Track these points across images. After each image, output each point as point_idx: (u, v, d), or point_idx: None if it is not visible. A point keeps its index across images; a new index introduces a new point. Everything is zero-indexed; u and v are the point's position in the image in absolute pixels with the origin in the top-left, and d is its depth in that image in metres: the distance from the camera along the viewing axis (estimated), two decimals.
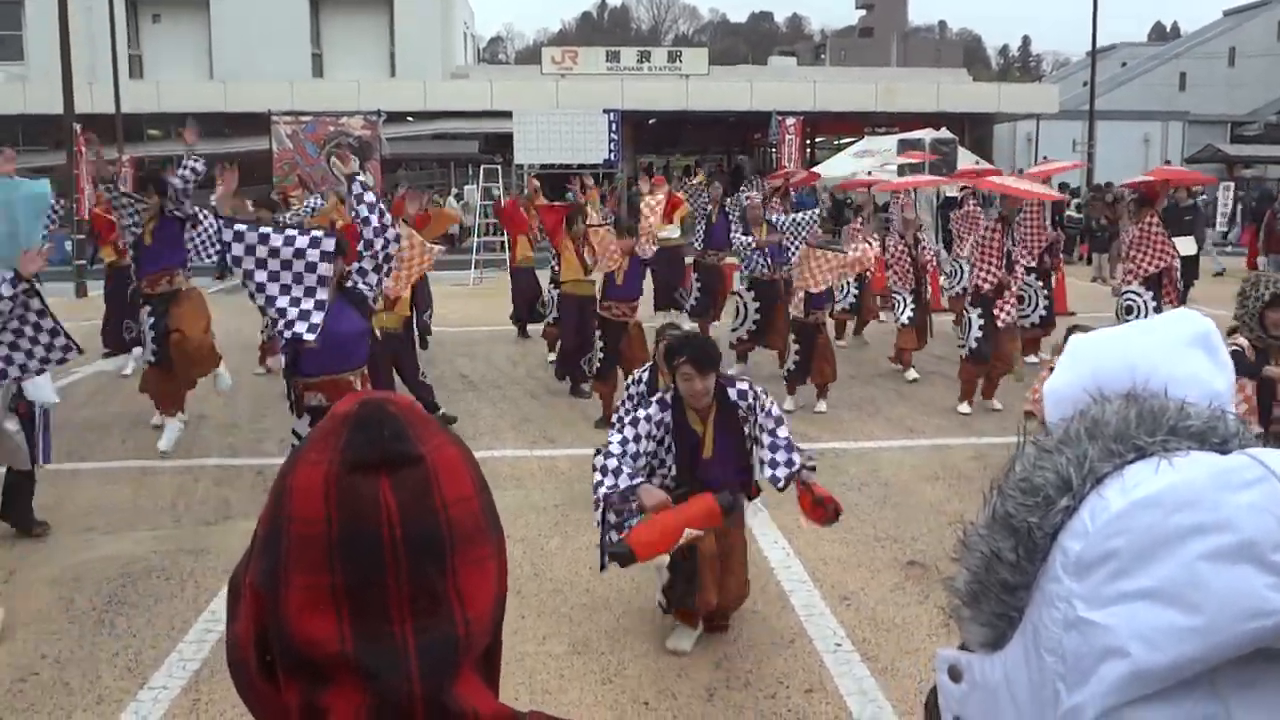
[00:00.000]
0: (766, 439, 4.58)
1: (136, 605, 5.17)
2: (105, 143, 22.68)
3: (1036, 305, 10.74)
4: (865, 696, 4.24)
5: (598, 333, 8.75)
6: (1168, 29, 76.69)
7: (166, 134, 31.97)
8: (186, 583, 5.40)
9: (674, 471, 4.64)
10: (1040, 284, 10.70)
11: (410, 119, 29.38)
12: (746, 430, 4.66)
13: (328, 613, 0.86)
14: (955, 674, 0.86)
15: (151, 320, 7.80)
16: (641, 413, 4.59)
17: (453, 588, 0.89)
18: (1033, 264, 10.07)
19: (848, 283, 11.62)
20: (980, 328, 8.93)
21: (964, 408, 9.04)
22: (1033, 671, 0.77)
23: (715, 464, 4.61)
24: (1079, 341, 1.00)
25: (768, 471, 4.57)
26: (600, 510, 4.41)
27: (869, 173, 20.05)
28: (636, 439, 4.51)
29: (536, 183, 12.27)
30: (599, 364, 8.68)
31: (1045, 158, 27.04)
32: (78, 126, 18.48)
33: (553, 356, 11.11)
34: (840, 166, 25.82)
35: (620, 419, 4.82)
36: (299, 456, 0.91)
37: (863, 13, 72.99)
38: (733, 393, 4.65)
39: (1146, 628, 0.71)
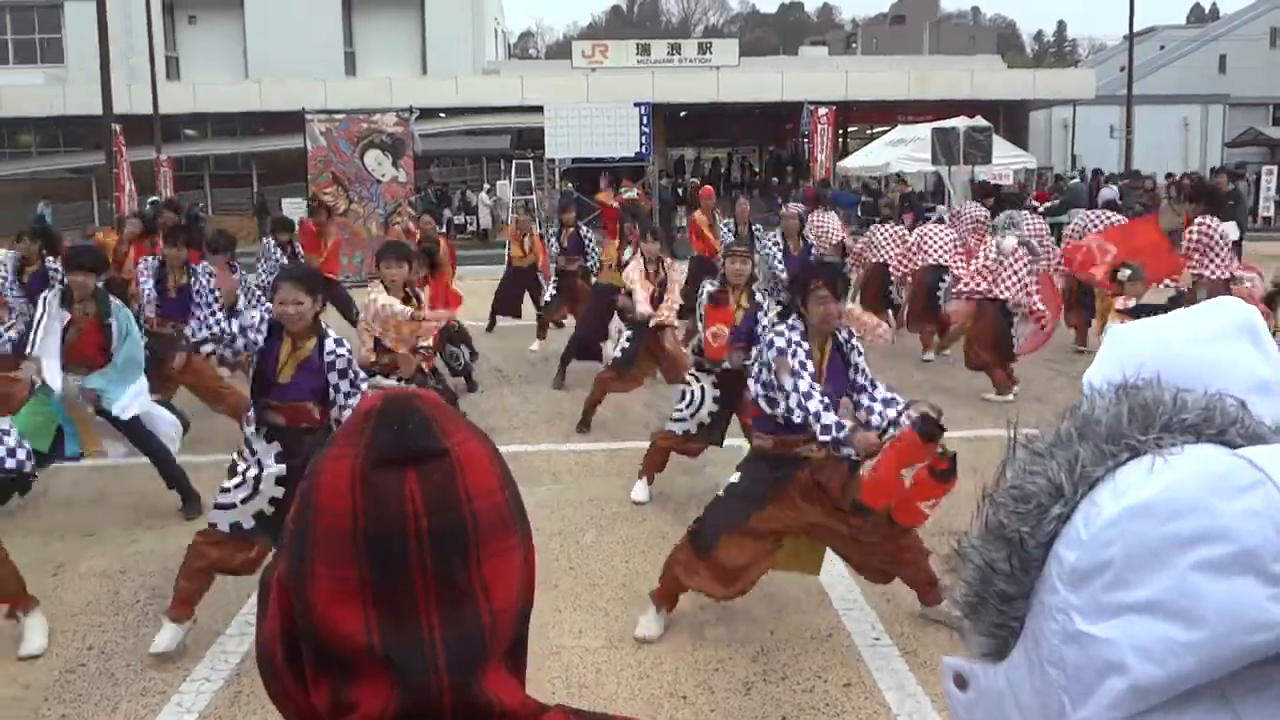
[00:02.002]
0: (867, 385, 4.63)
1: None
2: (143, 143, 23.03)
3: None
4: (903, 691, 4.22)
5: (626, 332, 8.55)
6: (1206, 11, 75.52)
7: (203, 134, 32.34)
8: (227, 577, 5.46)
9: None
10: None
11: (442, 115, 29.52)
12: (850, 374, 4.67)
13: (354, 606, 0.87)
14: (961, 682, 0.84)
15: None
16: (796, 339, 4.55)
17: (478, 581, 0.90)
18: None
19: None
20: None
21: (992, 395, 9.05)
22: (1036, 682, 0.76)
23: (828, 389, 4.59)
24: (1118, 331, 0.98)
25: (873, 419, 4.56)
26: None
27: (898, 173, 19.89)
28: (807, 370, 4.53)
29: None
30: (619, 357, 8.45)
31: (1101, 174, 26.65)
32: (117, 127, 18.75)
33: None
34: (874, 156, 25.69)
35: (794, 356, 4.61)
36: (326, 452, 0.93)
37: (894, 0, 72.47)
38: (842, 332, 4.70)
39: (1146, 642, 0.68)
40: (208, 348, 5.81)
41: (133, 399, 5.91)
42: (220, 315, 7.25)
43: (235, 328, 4.83)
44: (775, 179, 34.25)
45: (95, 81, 19.31)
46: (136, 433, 6.19)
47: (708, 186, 12.03)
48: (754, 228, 11.47)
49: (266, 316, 4.83)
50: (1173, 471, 0.71)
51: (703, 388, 6.48)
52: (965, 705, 0.84)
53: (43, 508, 6.61)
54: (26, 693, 4.33)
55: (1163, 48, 42.71)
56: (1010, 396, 9.01)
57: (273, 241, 10.97)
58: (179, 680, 4.42)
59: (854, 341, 4.73)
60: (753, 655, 4.54)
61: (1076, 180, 26.61)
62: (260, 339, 4.76)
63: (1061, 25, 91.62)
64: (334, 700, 0.89)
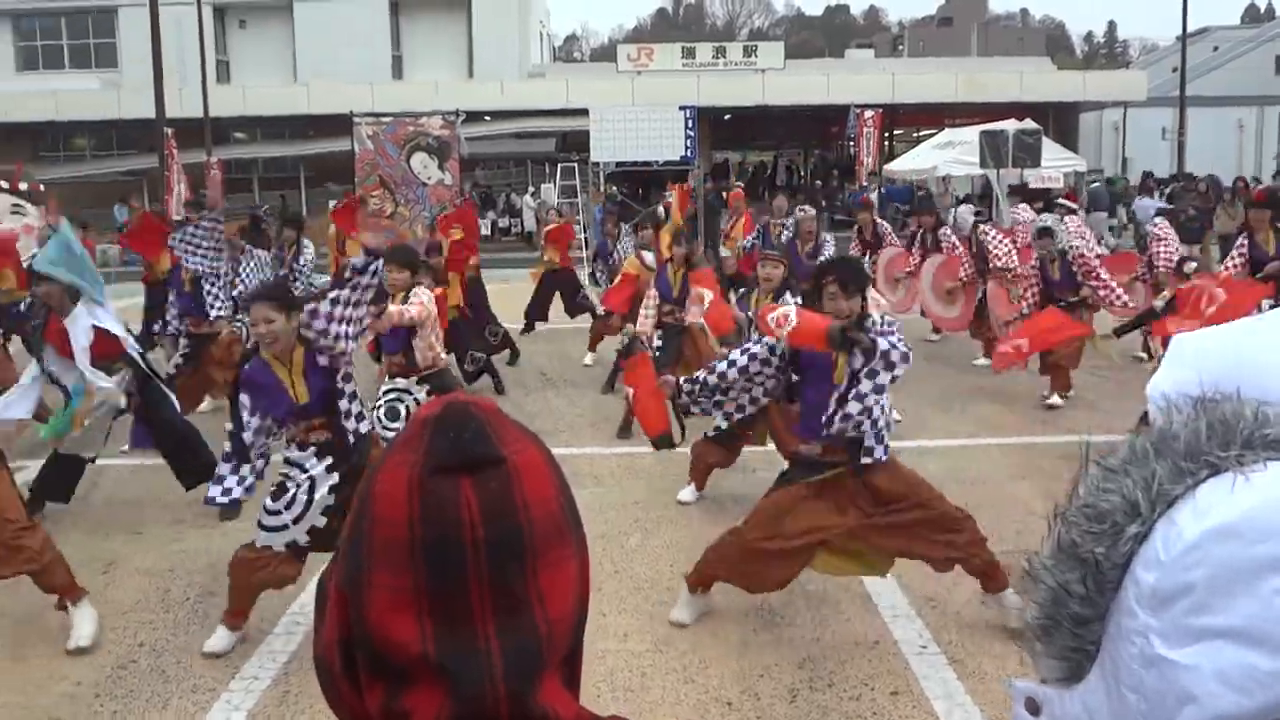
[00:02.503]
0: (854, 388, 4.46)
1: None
2: (194, 146, 23.37)
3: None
4: (952, 700, 4.16)
5: (656, 341, 8.40)
6: (1261, 10, 74.20)
7: (252, 137, 32.77)
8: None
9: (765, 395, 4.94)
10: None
11: (488, 118, 29.69)
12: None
13: (410, 615, 0.87)
14: (1033, 707, 0.81)
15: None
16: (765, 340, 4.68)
17: (534, 590, 0.89)
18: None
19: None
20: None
21: (1057, 400, 8.86)
22: (1115, 706, 0.73)
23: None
24: (1183, 340, 0.95)
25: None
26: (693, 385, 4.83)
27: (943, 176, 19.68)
28: (749, 356, 4.72)
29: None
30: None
31: (1151, 177, 26.15)
32: (169, 131, 19.03)
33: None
34: (921, 159, 25.49)
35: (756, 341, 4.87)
36: (384, 460, 0.92)
37: (942, 2, 71.91)
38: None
39: (1230, 669, 0.66)
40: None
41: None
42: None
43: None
44: (819, 182, 34.10)
45: (148, 86, 19.61)
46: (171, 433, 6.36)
47: (738, 189, 12.01)
48: (786, 225, 11.37)
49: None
50: (1256, 491, 0.69)
51: None
52: None
53: (91, 506, 6.72)
54: (79, 689, 4.39)
55: (1216, 48, 42.04)
56: (1060, 401, 8.87)
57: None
58: (228, 678, 4.46)
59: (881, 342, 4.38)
60: (799, 662, 4.51)
61: (1098, 184, 26.20)
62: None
63: (1112, 26, 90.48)
64: (388, 708, 0.88)
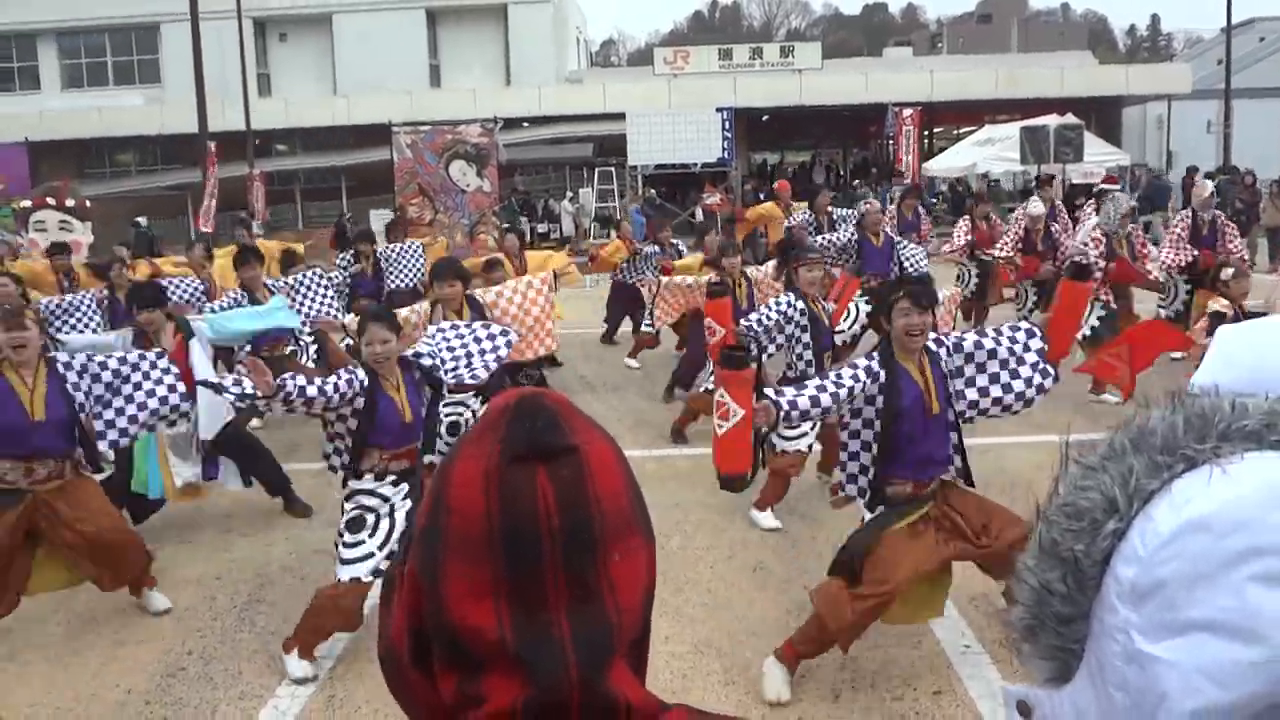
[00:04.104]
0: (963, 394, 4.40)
1: (274, 604, 5.36)
2: (236, 159, 23.67)
3: (1178, 296, 10.29)
4: (996, 700, 4.12)
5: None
6: None
7: (293, 149, 33.16)
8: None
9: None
10: (1184, 276, 10.26)
11: (525, 125, 29.84)
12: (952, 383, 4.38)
13: (486, 602, 0.88)
14: (1025, 710, 0.81)
15: None
16: (859, 363, 4.26)
17: (605, 579, 0.91)
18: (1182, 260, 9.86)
19: (967, 271, 11.35)
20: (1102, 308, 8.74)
21: (1109, 397, 8.73)
22: (1102, 705, 0.73)
23: (941, 417, 4.32)
24: (1228, 336, 0.94)
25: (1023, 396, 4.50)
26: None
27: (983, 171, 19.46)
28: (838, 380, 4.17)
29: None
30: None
31: (1196, 171, 25.77)
32: (212, 145, 19.30)
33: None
34: (962, 157, 25.28)
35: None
36: (459, 450, 0.94)
37: None
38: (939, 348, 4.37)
39: (1209, 662, 0.66)
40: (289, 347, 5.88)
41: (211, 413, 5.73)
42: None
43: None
44: (858, 182, 33.93)
45: (191, 101, 19.90)
46: (240, 449, 6.42)
47: (783, 181, 12.04)
48: (833, 217, 11.35)
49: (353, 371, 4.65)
50: (1232, 483, 0.69)
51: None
52: None
53: None
54: (129, 696, 4.47)
55: (1262, 39, 41.23)
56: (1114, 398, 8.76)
57: (350, 256, 10.61)
58: (275, 684, 4.52)
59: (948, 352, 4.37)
60: (841, 662, 4.49)
61: (1161, 180, 25.78)
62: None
63: (1155, 19, 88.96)
64: (462, 693, 0.90)
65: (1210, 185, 11.34)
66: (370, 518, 4.61)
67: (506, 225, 14.68)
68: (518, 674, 0.88)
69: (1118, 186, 13.40)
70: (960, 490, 4.43)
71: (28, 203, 15.54)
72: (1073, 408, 8.77)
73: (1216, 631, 0.66)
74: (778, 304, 6.37)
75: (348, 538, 4.58)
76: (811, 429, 6.09)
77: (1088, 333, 8.78)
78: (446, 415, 6.39)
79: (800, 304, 6.38)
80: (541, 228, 29.74)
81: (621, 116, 23.43)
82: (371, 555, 4.55)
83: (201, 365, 5.76)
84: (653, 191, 24.73)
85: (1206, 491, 0.69)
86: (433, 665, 0.92)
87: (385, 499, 4.65)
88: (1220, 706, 0.66)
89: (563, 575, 0.89)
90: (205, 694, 4.46)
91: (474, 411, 6.40)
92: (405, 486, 4.69)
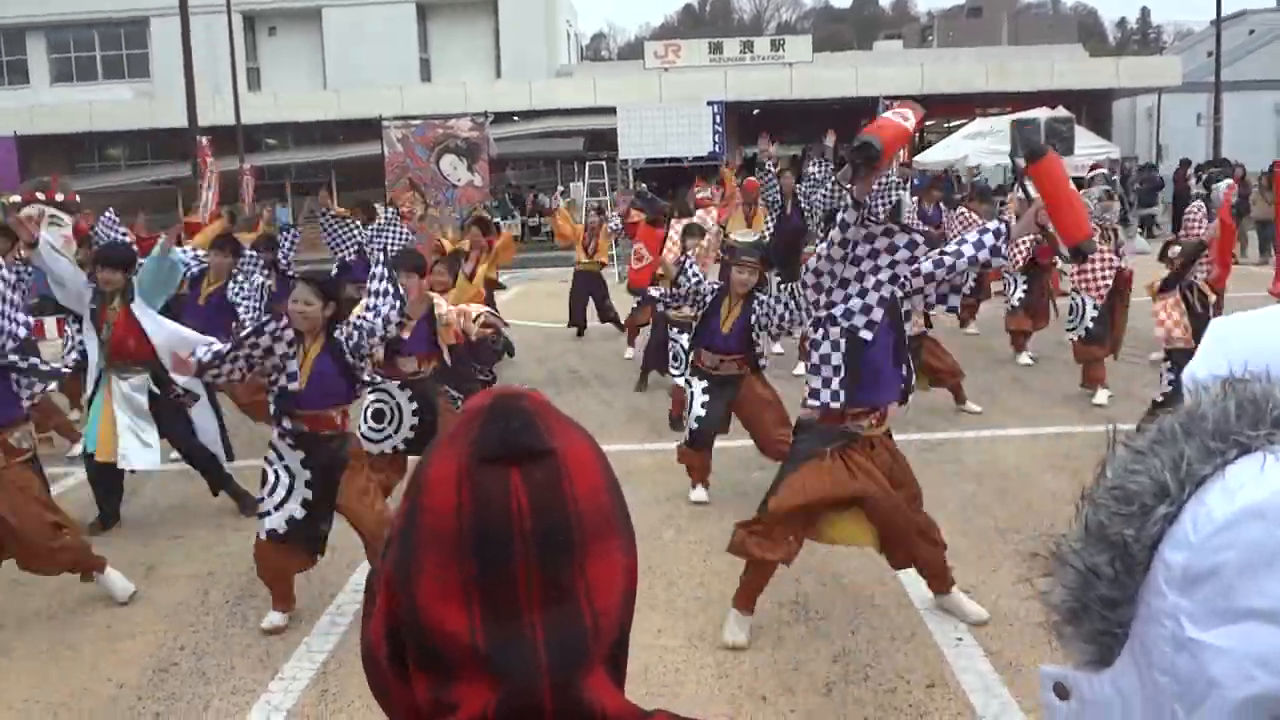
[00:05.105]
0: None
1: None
2: (227, 153, 23.58)
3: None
4: (989, 693, 4.14)
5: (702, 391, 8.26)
6: None
7: (284, 143, 33.06)
8: (313, 577, 5.56)
9: None
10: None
11: (516, 119, 29.79)
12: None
13: (458, 604, 0.87)
14: (1062, 691, 0.81)
15: None
16: None
17: (581, 582, 0.89)
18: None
19: None
20: (1095, 308, 8.72)
21: (1100, 397, 8.71)
22: (1147, 689, 0.72)
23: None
24: (1221, 326, 0.95)
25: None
26: None
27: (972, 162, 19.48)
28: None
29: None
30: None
31: (1189, 165, 25.81)
32: (202, 139, 19.22)
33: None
34: (952, 149, 25.29)
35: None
36: (434, 450, 0.93)
37: None
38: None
39: (1264, 650, 0.65)
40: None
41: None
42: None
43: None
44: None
45: (180, 95, 19.83)
46: (184, 436, 6.52)
47: (750, 181, 11.94)
48: (798, 196, 11.18)
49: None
50: None
51: (692, 393, 6.60)
52: (1067, 716, 0.81)
53: (132, 511, 6.80)
54: (121, 691, 4.46)
55: (1252, 32, 41.34)
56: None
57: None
58: (268, 679, 4.51)
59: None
60: (833, 656, 4.50)
61: (1155, 172, 25.86)
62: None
63: (1145, 11, 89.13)
64: (435, 699, 0.89)
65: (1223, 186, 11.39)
66: (271, 473, 4.91)
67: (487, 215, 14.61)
68: (489, 679, 0.86)
69: (1104, 171, 13.39)
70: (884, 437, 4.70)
71: (17, 198, 15.44)
72: (1060, 402, 8.80)
73: (1271, 620, 0.66)
74: (699, 279, 6.54)
75: (260, 491, 4.94)
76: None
77: (1083, 333, 8.79)
78: (372, 403, 6.31)
79: (712, 295, 6.50)
80: (532, 222, 29.74)
81: (612, 110, 23.39)
82: (269, 514, 4.86)
83: (151, 324, 6.16)
84: (643, 186, 24.71)
85: (1260, 478, 0.68)
86: (409, 668, 0.91)
87: (280, 457, 4.92)
88: (1273, 694, 0.65)
89: (536, 577, 0.87)
90: (198, 689, 4.45)
91: (399, 404, 6.30)
92: (302, 453, 4.91)
